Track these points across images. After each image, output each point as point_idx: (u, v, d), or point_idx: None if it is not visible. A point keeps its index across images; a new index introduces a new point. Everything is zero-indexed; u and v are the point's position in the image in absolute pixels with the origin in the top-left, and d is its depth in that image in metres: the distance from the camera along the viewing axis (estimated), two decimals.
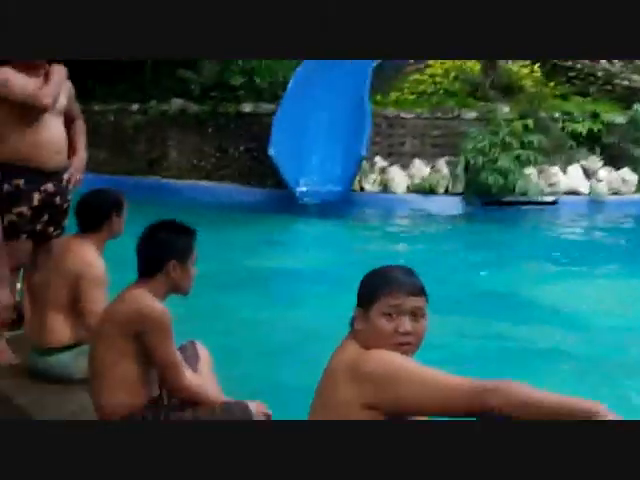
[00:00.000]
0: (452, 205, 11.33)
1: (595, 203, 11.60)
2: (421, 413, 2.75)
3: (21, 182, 4.65)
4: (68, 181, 4.89)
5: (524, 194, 11.22)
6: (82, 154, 5.15)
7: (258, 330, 6.55)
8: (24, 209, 4.69)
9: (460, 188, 11.43)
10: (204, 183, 12.56)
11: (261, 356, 5.90)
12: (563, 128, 12.06)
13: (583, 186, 11.70)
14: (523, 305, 7.46)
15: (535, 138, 11.30)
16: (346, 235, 10.56)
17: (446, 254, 9.55)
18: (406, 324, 2.81)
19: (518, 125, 11.40)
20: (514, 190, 11.15)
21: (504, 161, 10.93)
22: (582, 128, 12.02)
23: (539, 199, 11.34)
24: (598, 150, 12.15)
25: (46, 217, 4.75)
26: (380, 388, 2.71)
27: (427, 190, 11.37)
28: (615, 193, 11.83)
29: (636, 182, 11.96)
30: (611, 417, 2.50)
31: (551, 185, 11.56)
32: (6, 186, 4.63)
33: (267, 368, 5.66)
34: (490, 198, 11.18)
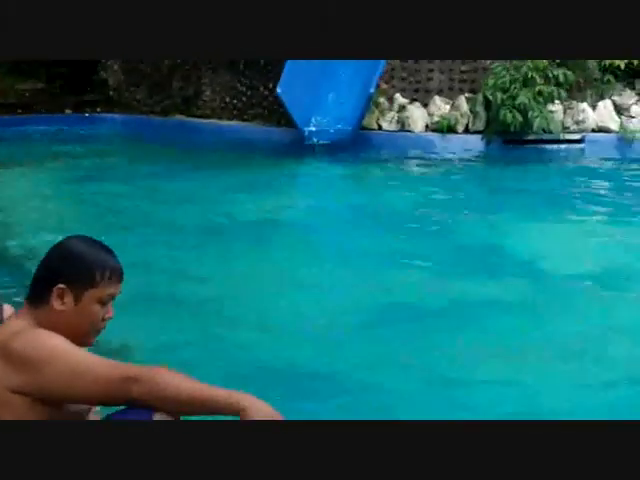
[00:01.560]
0: (471, 144, 10.87)
1: (625, 141, 10.97)
2: (69, 400, 2.60)
3: None
4: None
5: (546, 132, 10.69)
6: None
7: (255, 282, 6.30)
8: None
9: (481, 126, 10.95)
10: (231, 123, 12.42)
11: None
12: (600, 62, 11.37)
13: (613, 123, 11.08)
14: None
15: (561, 72, 10.69)
16: (358, 177, 10.28)
17: (461, 198, 9.23)
18: (111, 310, 2.75)
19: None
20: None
21: (523, 97, 10.38)
22: (620, 61, 11.31)
23: (563, 137, 10.80)
24: (638, 85, 11.47)
25: None
26: (24, 371, 2.54)
27: (445, 129, 10.93)
28: None
29: None
30: (260, 415, 2.39)
31: (578, 122, 10.97)
32: None
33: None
34: (510, 137, 10.69)
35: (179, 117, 12.90)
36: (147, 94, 13.29)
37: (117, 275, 2.70)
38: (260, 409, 2.41)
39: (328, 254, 7.19)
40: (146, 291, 5.56)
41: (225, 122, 12.46)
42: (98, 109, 13.22)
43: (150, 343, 4.96)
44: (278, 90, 10.61)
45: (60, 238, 2.80)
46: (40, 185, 9.59)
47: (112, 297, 2.72)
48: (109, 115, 13.03)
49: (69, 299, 2.65)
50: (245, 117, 12.55)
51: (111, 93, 13.34)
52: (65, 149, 11.38)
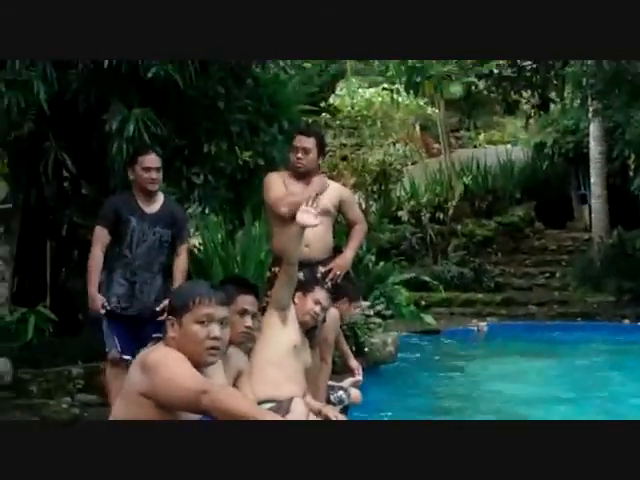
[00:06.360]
0: None
1: None
2: (165, 402, 3.05)
3: (276, 269, 5.34)
4: (325, 273, 5.49)
5: None
6: (348, 255, 5.68)
7: None
8: None
9: None
10: None
11: None
12: None
13: None
14: None
15: None
16: None
17: None
18: (216, 330, 3.22)
19: None
20: None
21: None
22: None
23: None
24: None
25: None
26: (146, 376, 3.07)
27: None
28: None
29: None
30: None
31: None
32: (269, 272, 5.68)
33: None
34: None
35: None
36: None
37: (207, 299, 3.22)
38: None
39: None
40: None
41: None
42: None
43: None
44: None
45: None
46: None
47: (212, 318, 3.22)
48: None
49: (176, 327, 3.22)
50: None
51: None
52: None
